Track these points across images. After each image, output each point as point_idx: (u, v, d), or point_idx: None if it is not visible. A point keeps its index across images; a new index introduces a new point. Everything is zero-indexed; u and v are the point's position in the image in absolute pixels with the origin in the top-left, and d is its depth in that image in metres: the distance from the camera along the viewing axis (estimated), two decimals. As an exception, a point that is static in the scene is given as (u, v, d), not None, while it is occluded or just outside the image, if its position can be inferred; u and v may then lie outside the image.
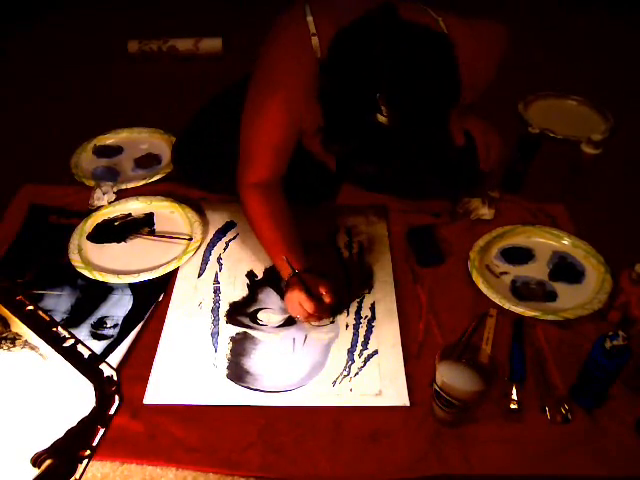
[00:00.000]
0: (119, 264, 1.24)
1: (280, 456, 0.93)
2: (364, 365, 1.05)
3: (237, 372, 1.04)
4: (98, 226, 1.32)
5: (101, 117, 1.71)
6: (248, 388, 1.02)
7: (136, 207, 1.37)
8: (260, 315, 1.14)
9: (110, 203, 1.37)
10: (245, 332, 1.11)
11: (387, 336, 1.10)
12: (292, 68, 1.09)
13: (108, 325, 1.12)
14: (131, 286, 1.19)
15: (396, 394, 1.00)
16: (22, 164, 1.52)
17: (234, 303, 1.17)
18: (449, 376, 0.90)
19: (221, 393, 1.01)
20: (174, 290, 1.19)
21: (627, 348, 0.90)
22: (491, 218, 1.34)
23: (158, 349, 1.08)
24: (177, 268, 1.23)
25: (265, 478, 0.92)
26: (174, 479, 0.92)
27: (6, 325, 0.99)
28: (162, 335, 1.10)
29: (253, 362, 1.06)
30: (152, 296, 1.17)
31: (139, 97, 1.81)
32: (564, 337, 1.10)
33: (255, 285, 1.21)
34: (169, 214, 1.37)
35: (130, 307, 1.16)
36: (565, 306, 1.16)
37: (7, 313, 1.00)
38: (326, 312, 1.11)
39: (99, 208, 1.36)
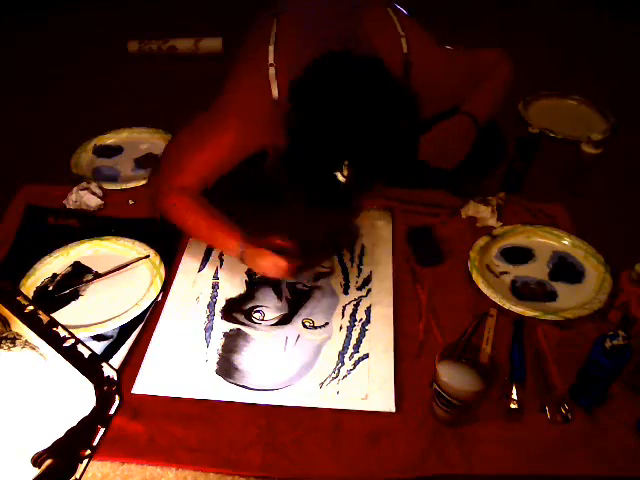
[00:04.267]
0: (88, 318, 1.13)
1: (280, 456, 0.93)
2: (353, 368, 1.05)
3: (226, 368, 1.05)
4: (39, 299, 1.16)
5: (101, 117, 1.71)
6: (235, 384, 1.02)
7: (57, 264, 1.24)
8: (255, 313, 1.15)
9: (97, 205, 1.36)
10: (239, 329, 1.12)
11: (380, 340, 1.09)
12: (249, 102, 1.11)
13: (108, 326, 1.11)
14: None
15: (382, 399, 0.99)
16: (22, 164, 1.52)
17: (231, 299, 1.17)
18: (449, 376, 0.90)
19: (209, 388, 1.01)
20: (174, 282, 1.20)
21: (627, 348, 0.90)
22: (495, 224, 1.33)
23: (151, 340, 1.08)
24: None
25: (265, 478, 0.92)
26: (174, 479, 0.92)
27: (6, 325, 0.99)
28: (157, 326, 1.11)
29: (243, 359, 1.07)
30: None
31: (139, 97, 1.81)
32: (564, 337, 1.10)
33: (254, 283, 1.21)
34: (93, 254, 1.26)
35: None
36: (565, 306, 1.16)
37: (7, 313, 1.00)
38: (298, 257, 1.11)
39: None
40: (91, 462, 0.85)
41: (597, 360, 0.93)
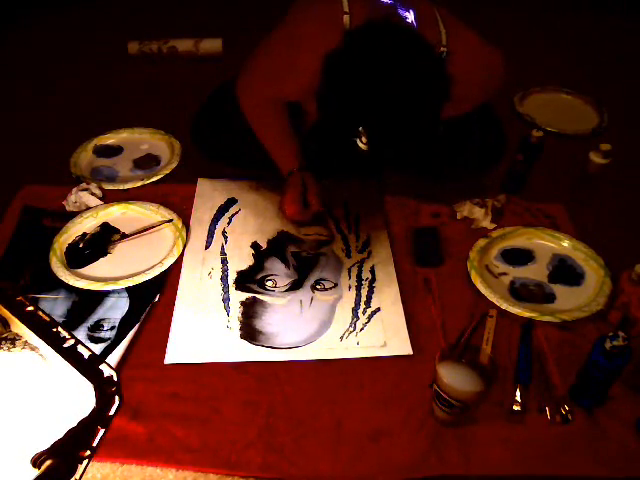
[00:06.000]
0: (117, 272, 1.22)
1: (280, 456, 0.93)
2: (368, 321, 1.13)
3: (250, 332, 1.11)
4: (68, 253, 1.26)
5: (101, 117, 1.71)
6: (262, 346, 1.08)
7: (87, 224, 1.33)
8: (267, 281, 1.21)
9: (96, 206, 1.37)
10: (254, 297, 1.18)
11: (387, 295, 1.17)
12: (318, 36, 1.10)
13: (105, 328, 1.12)
14: (127, 288, 1.19)
15: (399, 344, 1.08)
16: (22, 164, 1.51)
17: (241, 272, 1.23)
18: (449, 377, 0.90)
19: (237, 351, 1.07)
20: (183, 260, 1.24)
21: (627, 348, 0.90)
22: (487, 226, 1.33)
23: (174, 314, 1.13)
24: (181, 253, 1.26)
25: (265, 478, 0.92)
26: (174, 479, 0.92)
27: (6, 326, 0.99)
28: (176, 302, 1.16)
29: (265, 323, 1.13)
30: (148, 297, 1.17)
31: (139, 98, 1.81)
32: (564, 338, 1.11)
33: (261, 254, 1.27)
34: (121, 216, 1.35)
35: (127, 309, 1.15)
36: (563, 308, 1.16)
37: (7, 314, 1.00)
38: (308, 216, 1.25)
39: (77, 213, 1.34)
40: (91, 463, 0.85)
41: (597, 361, 0.93)
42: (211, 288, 1.19)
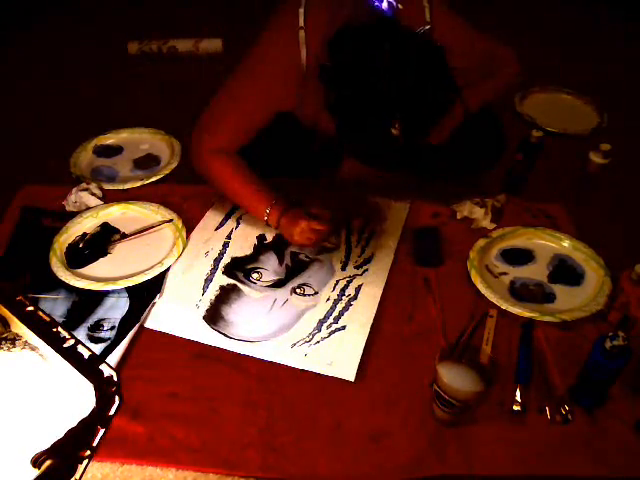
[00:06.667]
0: (117, 272, 1.22)
1: (280, 456, 0.93)
2: (328, 336, 1.11)
3: (213, 316, 1.14)
4: (68, 253, 1.26)
5: (101, 117, 1.71)
6: (217, 331, 1.11)
7: (87, 224, 1.33)
8: (254, 273, 1.23)
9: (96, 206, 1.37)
10: (235, 284, 1.21)
11: (361, 315, 1.15)
12: (278, 58, 1.13)
13: (105, 328, 1.12)
14: (127, 288, 1.19)
15: (345, 368, 1.05)
16: (22, 164, 1.51)
17: (236, 258, 1.26)
18: (449, 376, 0.90)
19: (194, 330, 1.11)
20: (191, 236, 1.30)
21: (627, 348, 0.90)
22: (487, 226, 1.33)
23: (166, 282, 1.19)
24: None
25: (265, 478, 0.92)
26: (174, 479, 0.92)
27: (6, 325, 0.99)
28: (170, 270, 1.22)
29: (230, 310, 1.16)
30: (148, 297, 1.17)
31: (139, 98, 1.81)
32: (564, 337, 1.11)
33: (261, 247, 1.29)
34: (121, 216, 1.36)
35: (126, 309, 1.15)
36: (563, 308, 1.16)
37: (7, 314, 1.00)
38: (329, 227, 1.19)
39: (77, 213, 1.34)
40: (91, 463, 0.86)
41: (597, 361, 0.93)
42: (201, 266, 1.23)
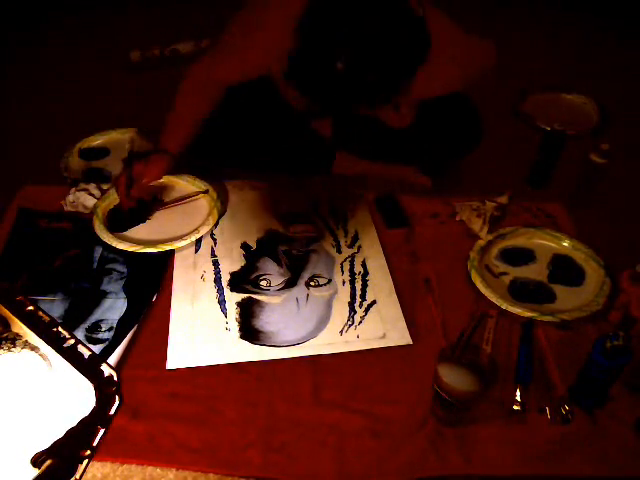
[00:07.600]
0: (156, 236, 1.29)
1: (280, 456, 0.93)
2: (365, 314, 1.14)
3: (250, 332, 1.11)
4: (110, 216, 1.33)
5: (102, 117, 1.71)
6: (263, 345, 1.08)
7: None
8: (262, 281, 1.21)
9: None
10: (250, 297, 1.18)
11: (382, 288, 1.19)
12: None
13: (103, 329, 1.11)
14: (125, 289, 1.19)
15: (399, 335, 1.09)
16: (21, 165, 1.51)
17: (234, 272, 1.23)
18: (449, 377, 0.90)
19: (237, 352, 1.07)
20: (175, 265, 1.24)
21: (627, 348, 0.90)
22: (483, 237, 1.30)
23: (170, 319, 1.13)
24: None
25: (265, 478, 0.92)
26: (174, 479, 0.92)
27: (6, 325, 1.00)
28: (172, 306, 1.15)
29: (263, 322, 1.13)
30: (146, 297, 1.17)
31: (141, 102, 1.81)
32: (564, 337, 1.11)
33: (252, 255, 1.27)
34: (158, 185, 1.39)
35: (124, 310, 1.15)
36: (563, 308, 1.16)
37: (7, 313, 1.00)
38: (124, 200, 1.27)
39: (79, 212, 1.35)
40: (91, 462, 0.86)
41: (597, 360, 0.92)
42: (205, 291, 1.19)
